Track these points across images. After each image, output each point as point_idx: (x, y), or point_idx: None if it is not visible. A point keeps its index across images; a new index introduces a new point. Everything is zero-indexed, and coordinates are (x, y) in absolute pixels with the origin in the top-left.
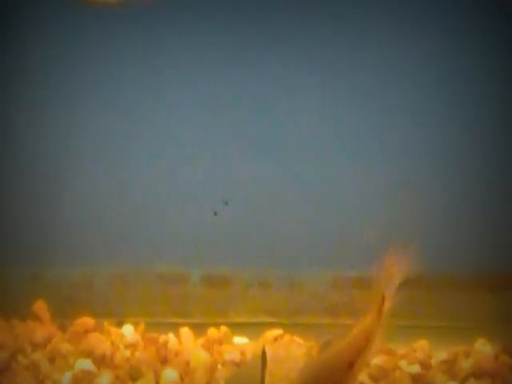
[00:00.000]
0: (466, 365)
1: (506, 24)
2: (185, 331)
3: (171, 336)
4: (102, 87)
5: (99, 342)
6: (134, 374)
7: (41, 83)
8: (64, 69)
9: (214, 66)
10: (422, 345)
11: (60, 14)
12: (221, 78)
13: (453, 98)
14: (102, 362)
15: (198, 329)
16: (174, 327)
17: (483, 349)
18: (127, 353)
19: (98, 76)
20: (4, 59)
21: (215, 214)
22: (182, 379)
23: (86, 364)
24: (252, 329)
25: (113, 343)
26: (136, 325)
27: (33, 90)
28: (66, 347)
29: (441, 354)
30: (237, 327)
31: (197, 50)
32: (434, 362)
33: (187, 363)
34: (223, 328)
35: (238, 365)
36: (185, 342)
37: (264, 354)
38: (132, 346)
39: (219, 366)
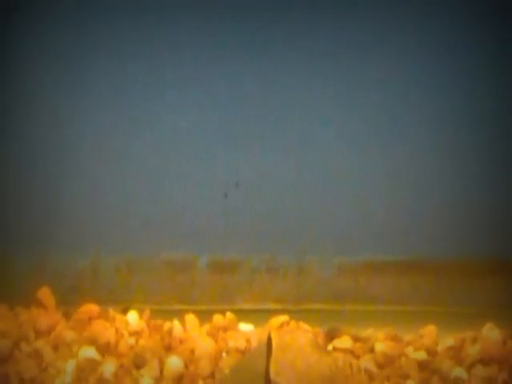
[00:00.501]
0: (472, 351)
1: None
2: (190, 318)
3: (176, 323)
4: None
5: (103, 330)
6: (139, 362)
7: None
8: (64, 68)
9: (231, 53)
10: (429, 330)
11: (60, 14)
12: (237, 67)
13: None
14: (106, 349)
15: (204, 315)
16: (180, 314)
17: (491, 334)
18: (132, 340)
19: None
20: (4, 59)
21: (226, 195)
22: (186, 367)
23: (89, 352)
24: (258, 315)
25: (117, 330)
26: (141, 312)
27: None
28: (69, 335)
29: (447, 340)
30: (243, 314)
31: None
32: (440, 348)
33: (192, 351)
34: (229, 314)
35: (242, 352)
36: (190, 329)
37: (269, 341)
38: (136, 334)
39: (224, 354)
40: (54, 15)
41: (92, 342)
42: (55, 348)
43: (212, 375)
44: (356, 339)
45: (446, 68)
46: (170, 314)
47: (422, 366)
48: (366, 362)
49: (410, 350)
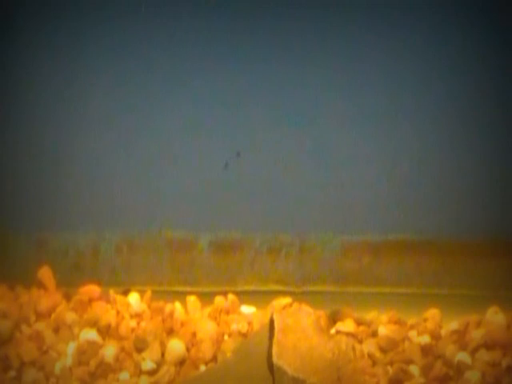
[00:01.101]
0: (476, 335)
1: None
2: (191, 300)
3: (177, 305)
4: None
5: (104, 312)
6: (140, 345)
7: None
8: (64, 67)
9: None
10: (433, 314)
11: (60, 14)
12: (239, 37)
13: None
14: (107, 332)
15: (205, 297)
16: (181, 295)
17: (495, 318)
18: (133, 323)
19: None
20: (4, 59)
21: (226, 166)
22: (188, 350)
23: (90, 334)
24: (260, 297)
25: (118, 313)
26: (142, 293)
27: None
28: (70, 316)
29: (451, 324)
30: (245, 295)
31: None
32: (444, 332)
33: (193, 334)
34: (231, 296)
35: (245, 335)
36: (191, 311)
37: (272, 323)
38: (138, 316)
39: (226, 337)
40: (54, 15)
41: (93, 324)
42: (56, 330)
43: (214, 358)
44: (359, 322)
45: (447, 69)
46: (171, 296)
47: (426, 350)
48: (369, 346)
49: (413, 334)
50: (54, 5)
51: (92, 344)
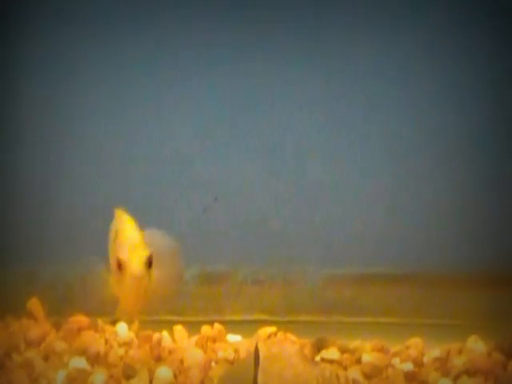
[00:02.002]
0: (458, 362)
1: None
2: (178, 329)
3: (165, 334)
4: (102, 84)
5: (93, 340)
6: (128, 373)
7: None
8: (64, 67)
9: (211, 69)
10: (415, 342)
11: (60, 13)
12: (215, 78)
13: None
14: (96, 360)
15: (192, 326)
16: (168, 325)
17: (476, 346)
18: (121, 351)
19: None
20: (3, 58)
21: (204, 210)
22: (175, 377)
23: (80, 362)
24: (246, 326)
25: (107, 341)
26: (130, 323)
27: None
28: (60, 345)
29: (433, 352)
30: (231, 325)
31: (194, 50)
32: (426, 359)
33: (181, 361)
34: (217, 325)
35: (231, 363)
36: (178, 339)
37: (257, 351)
38: (126, 344)
39: (213, 364)
40: (55, 15)
41: (82, 352)
42: (46, 358)
43: None
44: (343, 350)
45: (448, 72)
46: (158, 325)
47: (409, 376)
48: (354, 373)
49: (396, 361)
50: (54, 4)
51: (81, 372)
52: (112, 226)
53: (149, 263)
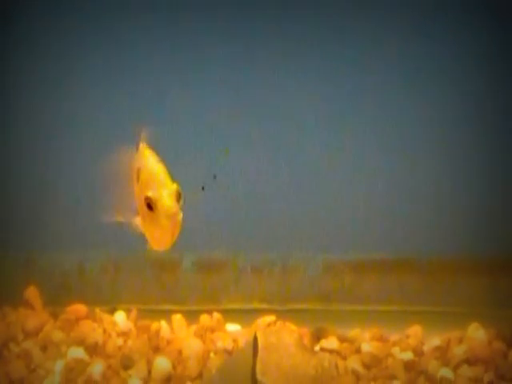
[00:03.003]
0: (458, 351)
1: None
2: (177, 318)
3: (163, 324)
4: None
5: (91, 330)
6: (127, 363)
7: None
8: (63, 67)
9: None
10: (415, 330)
11: (60, 13)
12: (215, 63)
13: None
14: (94, 350)
15: (191, 315)
16: (167, 314)
17: (476, 334)
18: (119, 341)
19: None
20: (3, 59)
21: (203, 188)
22: (174, 368)
23: (78, 352)
24: (245, 315)
25: (105, 331)
26: (128, 312)
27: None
28: (57, 335)
29: (433, 340)
30: (230, 314)
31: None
32: (426, 348)
33: (179, 352)
34: (216, 315)
35: (230, 353)
36: (177, 329)
37: (255, 341)
38: (124, 334)
39: (212, 355)
40: (55, 15)
41: (80, 342)
42: (43, 348)
43: (200, 375)
44: (342, 340)
45: (447, 71)
46: (156, 315)
47: (409, 366)
48: (353, 363)
49: (396, 351)
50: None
51: (79, 362)
52: (133, 165)
53: (178, 196)
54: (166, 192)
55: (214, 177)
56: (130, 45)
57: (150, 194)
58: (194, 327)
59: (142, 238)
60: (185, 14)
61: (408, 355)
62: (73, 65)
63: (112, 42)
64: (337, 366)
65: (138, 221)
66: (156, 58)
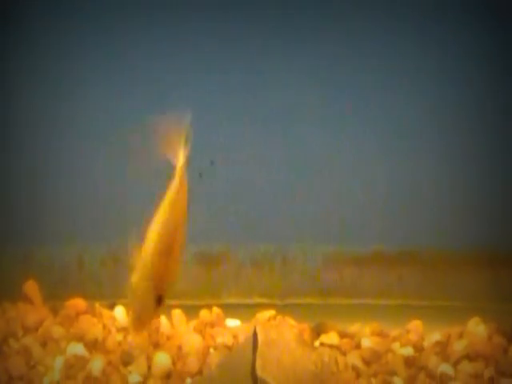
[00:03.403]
0: (458, 347)
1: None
2: (177, 313)
3: (163, 319)
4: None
5: (91, 326)
6: (126, 359)
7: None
8: (63, 68)
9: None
10: (415, 325)
11: (60, 13)
12: (221, 50)
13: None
14: (94, 346)
15: (191, 310)
16: (167, 308)
17: (476, 329)
18: (119, 337)
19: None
20: (3, 59)
21: (200, 175)
22: (174, 364)
23: (77, 348)
24: (245, 310)
25: (105, 326)
26: (128, 307)
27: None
28: (57, 331)
29: (434, 336)
30: (229, 308)
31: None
32: (426, 343)
33: (179, 347)
34: (215, 310)
35: (230, 348)
36: (177, 325)
37: (255, 336)
38: (124, 330)
39: (211, 350)
40: (55, 15)
41: (80, 338)
42: (43, 344)
43: (200, 371)
44: (343, 335)
45: (446, 72)
46: None
47: (409, 362)
48: (353, 358)
49: (396, 346)
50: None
51: (79, 358)
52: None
53: None
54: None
55: (212, 163)
56: (129, 45)
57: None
58: (193, 322)
59: (140, 232)
60: (185, 14)
61: (408, 351)
62: (73, 65)
63: (112, 42)
64: (337, 362)
65: None
66: (156, 58)
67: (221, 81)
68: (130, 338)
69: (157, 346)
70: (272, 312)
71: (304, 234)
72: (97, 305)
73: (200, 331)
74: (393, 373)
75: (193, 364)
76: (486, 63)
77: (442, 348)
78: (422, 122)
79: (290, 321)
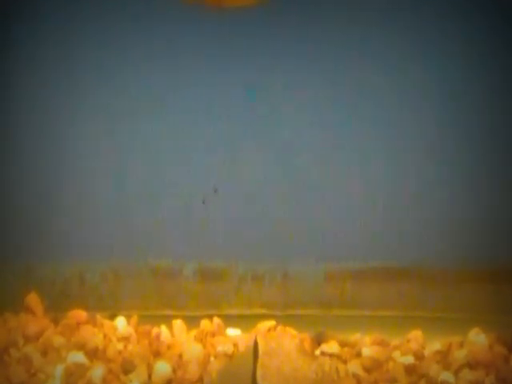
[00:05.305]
0: (459, 355)
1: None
2: (177, 323)
3: (164, 328)
4: (101, 86)
5: (92, 335)
6: (127, 367)
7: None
8: (63, 69)
9: (213, 63)
10: (415, 335)
11: (59, 14)
12: (216, 69)
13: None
14: (94, 354)
15: (191, 321)
16: (167, 320)
17: (477, 339)
18: (120, 346)
19: (97, 76)
20: (3, 59)
21: (203, 202)
22: (174, 372)
23: (78, 357)
24: (245, 321)
25: (105, 336)
26: (129, 317)
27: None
28: (58, 340)
29: (434, 345)
30: (230, 319)
31: (197, 51)
32: (427, 352)
33: (180, 356)
34: (216, 319)
35: (230, 357)
36: (177, 334)
37: (256, 346)
38: (125, 339)
39: (212, 359)
40: (55, 15)
41: (80, 347)
42: (44, 353)
43: (200, 380)
44: (343, 344)
45: (446, 71)
46: (157, 320)
47: (410, 370)
48: (354, 367)
49: (397, 355)
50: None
51: (80, 366)
52: None
53: None
54: None
55: (215, 190)
56: (130, 45)
57: None
58: (194, 332)
59: (141, 248)
60: (185, 14)
61: (409, 359)
62: (73, 65)
63: (112, 42)
64: (337, 370)
65: None
66: (156, 58)
67: (223, 101)
68: (130, 347)
69: (157, 354)
70: (272, 322)
71: (305, 252)
72: (98, 315)
73: (201, 340)
74: (393, 381)
75: (193, 372)
76: (487, 62)
77: (443, 357)
78: (422, 134)
79: (291, 330)
